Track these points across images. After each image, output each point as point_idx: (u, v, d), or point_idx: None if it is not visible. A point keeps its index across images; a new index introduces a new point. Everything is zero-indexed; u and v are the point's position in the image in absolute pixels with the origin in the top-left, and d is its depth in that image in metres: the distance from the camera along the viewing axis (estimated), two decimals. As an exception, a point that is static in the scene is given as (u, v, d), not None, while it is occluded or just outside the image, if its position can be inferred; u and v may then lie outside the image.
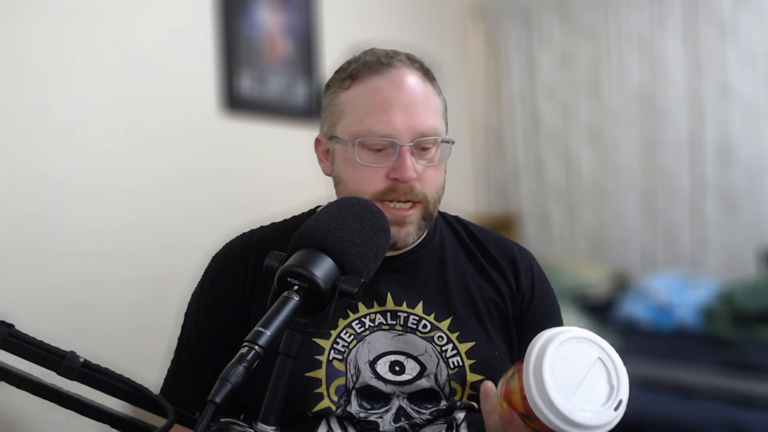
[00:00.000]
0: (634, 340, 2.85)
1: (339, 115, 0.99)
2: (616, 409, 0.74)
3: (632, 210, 3.86)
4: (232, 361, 0.64)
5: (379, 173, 0.95)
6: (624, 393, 0.75)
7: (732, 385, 2.26)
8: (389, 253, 1.01)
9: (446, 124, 1.02)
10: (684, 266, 3.61)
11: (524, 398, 0.75)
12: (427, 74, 1.00)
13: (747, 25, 3.51)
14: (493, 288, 1.05)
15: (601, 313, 3.13)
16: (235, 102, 2.42)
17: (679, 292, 3.09)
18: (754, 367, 2.42)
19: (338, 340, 0.98)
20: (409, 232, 0.97)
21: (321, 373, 0.95)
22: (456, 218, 1.14)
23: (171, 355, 1.07)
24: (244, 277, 1.02)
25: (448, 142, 1.00)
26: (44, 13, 1.80)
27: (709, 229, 3.62)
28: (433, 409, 0.97)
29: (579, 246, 4.00)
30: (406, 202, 0.96)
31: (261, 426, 0.72)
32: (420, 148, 0.96)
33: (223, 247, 1.08)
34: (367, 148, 0.96)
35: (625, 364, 0.79)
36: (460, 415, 0.98)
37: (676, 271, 3.48)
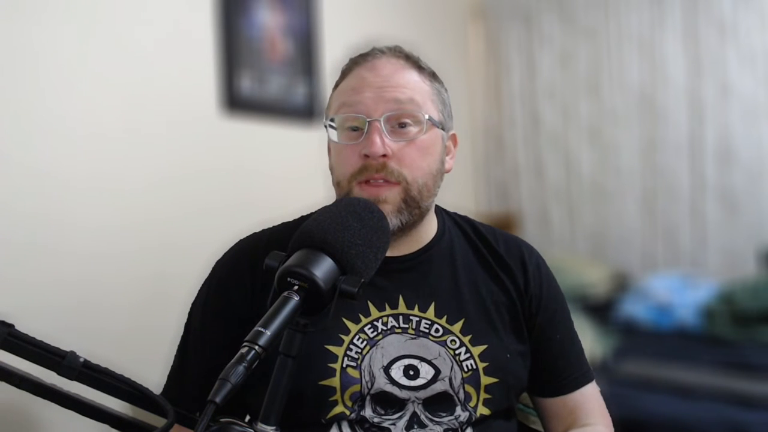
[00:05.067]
0: (634, 340, 2.85)
1: (328, 107, 1.04)
2: None
3: (632, 210, 3.86)
4: (232, 361, 0.65)
5: (354, 152, 0.97)
6: None
7: (732, 385, 2.26)
8: (399, 253, 1.01)
9: (442, 113, 1.02)
10: (684, 266, 3.61)
11: None
12: (413, 62, 1.02)
13: (747, 25, 3.51)
14: (502, 290, 1.05)
15: (601, 313, 3.13)
16: (235, 102, 2.42)
17: (679, 292, 3.09)
18: (754, 367, 2.42)
19: (351, 346, 0.97)
20: (385, 212, 0.92)
21: (335, 382, 0.94)
22: (464, 218, 1.13)
23: (172, 355, 1.07)
24: (252, 279, 1.01)
25: (432, 122, 0.99)
26: (44, 13, 1.80)
27: (709, 229, 3.62)
28: (446, 418, 0.96)
29: (579, 246, 4.00)
30: (382, 181, 0.95)
31: (261, 426, 0.72)
32: (396, 126, 0.97)
33: (231, 248, 1.07)
34: (343, 128, 0.99)
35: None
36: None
37: (676, 271, 3.48)
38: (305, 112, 2.68)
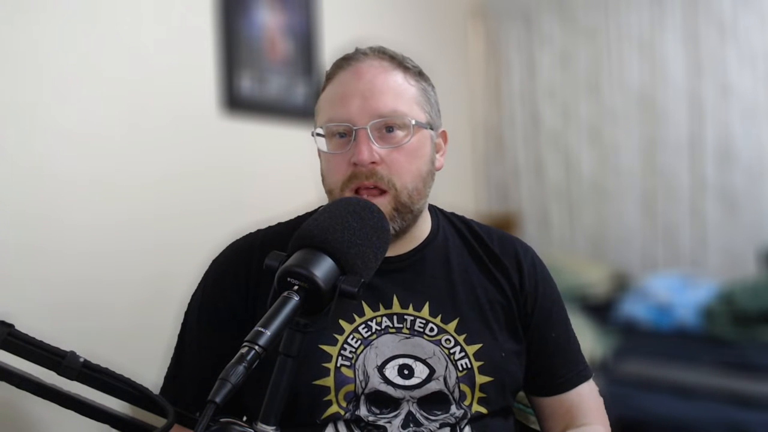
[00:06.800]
0: (634, 340, 2.85)
1: (316, 115, 1.03)
2: None
3: (632, 210, 3.86)
4: (232, 361, 0.64)
5: (343, 160, 0.97)
6: None
7: (732, 385, 2.26)
8: (393, 253, 1.01)
9: (429, 113, 1.01)
10: (684, 266, 3.61)
11: None
12: (398, 64, 1.00)
13: (747, 25, 3.51)
14: (497, 289, 1.05)
15: (601, 313, 3.13)
16: (235, 102, 2.42)
17: (679, 292, 3.09)
18: (754, 367, 2.42)
19: (345, 345, 0.97)
20: None
21: (329, 381, 0.95)
22: (459, 217, 1.13)
23: (170, 355, 1.07)
24: (247, 278, 1.01)
25: (420, 125, 0.98)
26: (45, 13, 1.80)
27: (709, 229, 3.61)
28: (442, 416, 0.96)
29: (579, 246, 4.00)
30: (373, 188, 0.96)
31: (261, 426, 0.72)
32: (383, 131, 0.96)
33: (227, 248, 1.08)
34: (331, 136, 0.99)
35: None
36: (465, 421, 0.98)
37: (676, 271, 3.48)
38: (305, 112, 2.67)
